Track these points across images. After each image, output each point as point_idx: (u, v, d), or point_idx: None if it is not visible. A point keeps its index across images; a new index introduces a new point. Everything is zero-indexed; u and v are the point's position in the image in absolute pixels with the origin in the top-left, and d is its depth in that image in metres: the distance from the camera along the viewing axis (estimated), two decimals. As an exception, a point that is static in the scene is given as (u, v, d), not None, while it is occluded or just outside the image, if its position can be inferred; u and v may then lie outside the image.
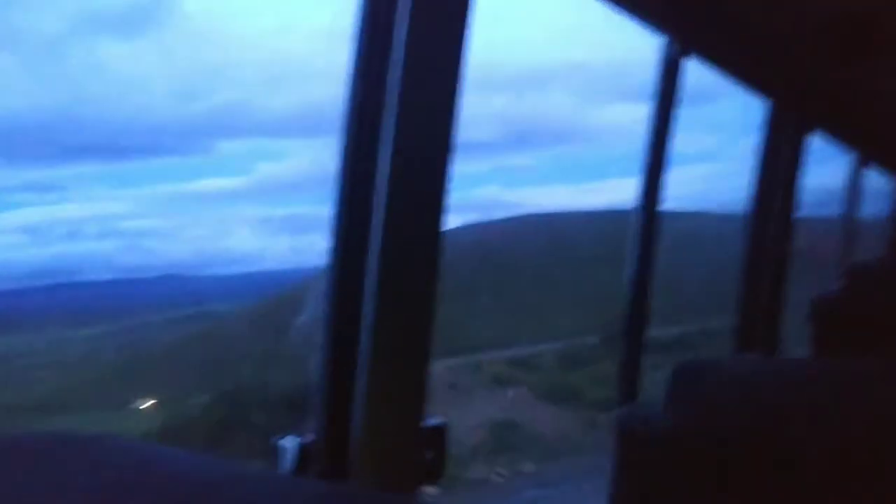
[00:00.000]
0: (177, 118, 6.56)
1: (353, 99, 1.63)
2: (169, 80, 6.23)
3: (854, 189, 4.08)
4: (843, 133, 3.54)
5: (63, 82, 6.22)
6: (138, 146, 6.57)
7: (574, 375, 7.56)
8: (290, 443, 1.64)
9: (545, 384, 7.57)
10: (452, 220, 1.72)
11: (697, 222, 6.96)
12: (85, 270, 6.72)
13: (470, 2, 1.59)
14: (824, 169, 3.65)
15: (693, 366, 1.95)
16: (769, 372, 1.97)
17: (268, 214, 7.09)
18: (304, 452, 1.63)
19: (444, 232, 1.68)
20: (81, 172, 6.83)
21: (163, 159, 7.05)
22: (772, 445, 1.78)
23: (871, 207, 4.37)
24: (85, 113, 6.23)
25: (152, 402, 5.86)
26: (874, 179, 4.25)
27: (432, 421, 1.74)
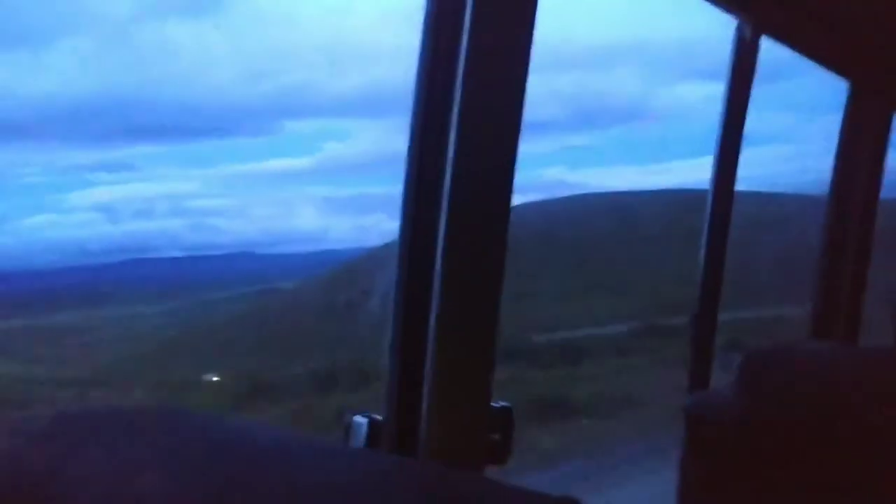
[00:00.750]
0: (244, 99, 6.64)
1: (423, 79, 1.63)
2: (236, 62, 6.30)
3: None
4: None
5: (134, 64, 6.34)
6: (207, 127, 6.67)
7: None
8: (360, 420, 1.66)
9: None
10: (514, 201, 1.71)
11: (773, 204, 6.82)
12: (155, 248, 6.87)
13: None
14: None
15: (764, 352, 1.92)
16: (843, 359, 1.94)
17: (333, 194, 7.15)
18: (373, 430, 1.65)
19: (508, 220, 1.69)
20: (152, 152, 6.96)
21: (231, 140, 7.15)
22: (843, 433, 1.75)
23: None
24: (155, 94, 6.34)
25: (213, 377, 5.98)
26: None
27: (499, 402, 1.75)
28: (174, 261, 6.73)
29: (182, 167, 7.23)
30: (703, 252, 2.20)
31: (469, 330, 1.67)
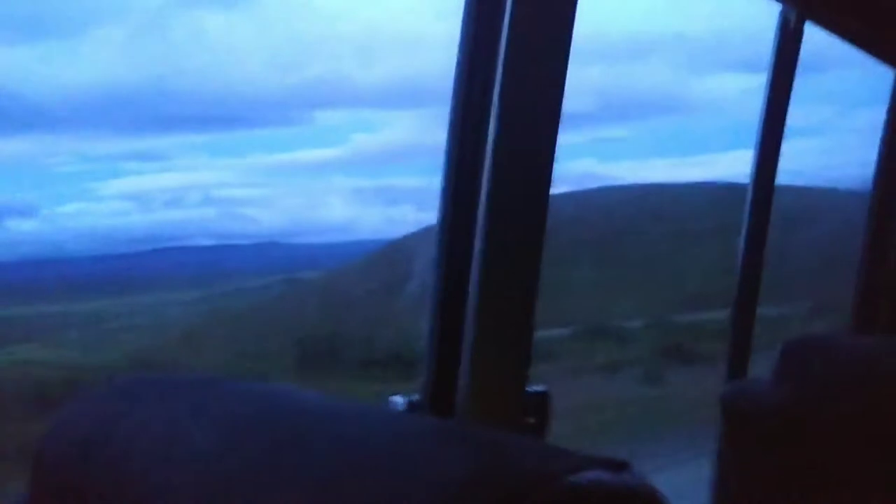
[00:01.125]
0: (274, 89, 6.67)
1: (462, 71, 1.64)
2: (266, 52, 6.33)
3: None
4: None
5: (166, 54, 6.39)
6: (238, 117, 6.70)
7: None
8: (398, 400, 1.69)
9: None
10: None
11: (814, 197, 6.75)
12: (185, 237, 6.93)
13: None
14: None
15: (803, 342, 1.91)
16: (882, 350, 1.92)
17: (362, 185, 7.17)
18: (410, 410, 1.67)
19: (548, 208, 1.69)
20: (183, 142, 7.01)
21: (261, 130, 7.19)
22: (884, 424, 1.73)
23: None
24: (187, 84, 6.38)
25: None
26: None
27: (535, 387, 1.76)
28: (204, 249, 6.79)
29: (213, 157, 7.28)
30: (742, 242, 2.19)
31: (507, 313, 1.68)
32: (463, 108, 1.64)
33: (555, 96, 1.64)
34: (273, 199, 7.48)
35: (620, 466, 0.58)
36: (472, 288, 1.63)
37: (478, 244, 1.62)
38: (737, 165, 2.25)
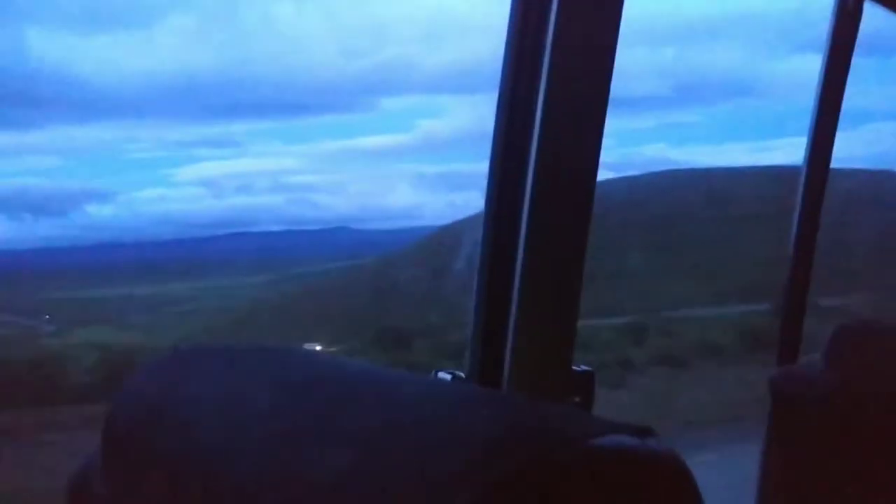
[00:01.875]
0: (341, 76, 6.74)
1: (510, 56, 1.65)
2: (334, 38, 6.41)
3: None
4: None
5: (236, 42, 6.50)
6: (306, 103, 6.80)
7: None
8: (444, 377, 1.71)
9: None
10: (605, 177, 1.72)
11: (879, 182, 6.55)
12: (256, 222, 7.07)
13: None
14: None
15: (853, 327, 1.88)
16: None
17: (427, 170, 7.21)
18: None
19: (595, 188, 1.70)
20: (254, 129, 7.15)
21: (328, 116, 7.28)
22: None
23: None
24: (256, 71, 6.49)
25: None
26: None
27: (580, 367, 1.76)
28: (274, 235, 6.92)
29: (282, 143, 7.41)
30: (795, 226, 2.16)
31: (552, 293, 1.69)
32: (510, 91, 1.66)
33: (602, 82, 1.64)
34: (341, 185, 7.58)
35: (644, 432, 0.59)
36: (518, 267, 1.65)
37: (523, 224, 1.63)
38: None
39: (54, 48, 5.88)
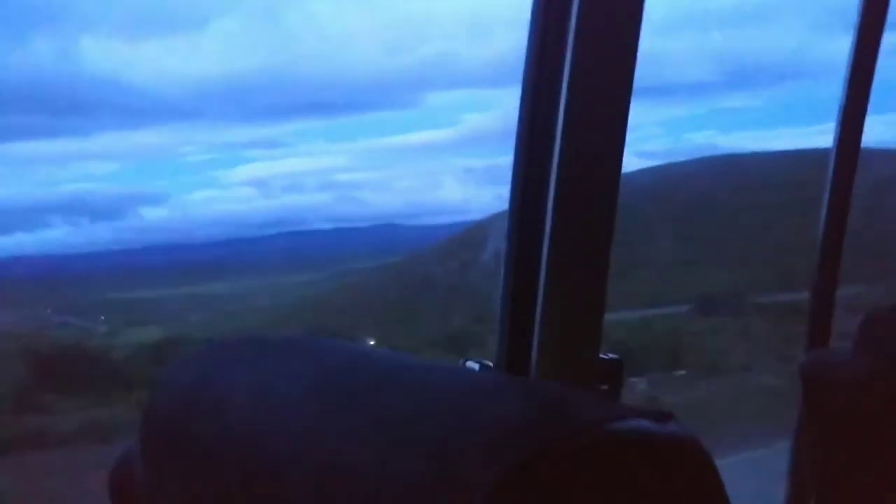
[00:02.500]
0: (386, 72, 6.79)
1: (533, 48, 1.67)
2: (377, 35, 6.45)
3: None
4: None
5: (282, 42, 6.58)
6: (351, 102, 6.86)
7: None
8: (472, 366, 1.73)
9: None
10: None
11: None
12: (305, 221, 7.15)
13: None
14: None
15: (884, 313, 1.86)
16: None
17: (474, 164, 7.23)
18: (485, 376, 1.71)
19: (620, 175, 1.70)
20: (301, 128, 7.23)
21: (374, 113, 7.33)
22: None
23: None
24: (302, 72, 6.57)
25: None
26: None
27: (608, 355, 1.77)
28: (323, 233, 7.00)
29: (329, 142, 7.48)
30: (824, 210, 2.14)
31: (578, 280, 1.70)
32: (534, 84, 1.67)
33: (625, 72, 1.64)
34: (388, 182, 7.63)
35: (664, 417, 0.59)
36: (544, 255, 1.66)
37: (549, 212, 1.65)
38: (870, 133, 2.16)
39: (106, 57, 6.03)
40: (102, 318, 6.20)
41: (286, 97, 6.77)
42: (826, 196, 2.14)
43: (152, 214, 7.03)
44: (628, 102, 1.68)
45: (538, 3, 1.66)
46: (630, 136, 1.69)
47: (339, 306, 6.82)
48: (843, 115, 2.12)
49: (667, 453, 0.58)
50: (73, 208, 6.57)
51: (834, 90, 2.22)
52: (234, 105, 6.72)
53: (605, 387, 1.76)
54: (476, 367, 1.74)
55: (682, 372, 6.46)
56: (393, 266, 7.22)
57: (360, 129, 7.28)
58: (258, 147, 7.34)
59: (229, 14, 6.43)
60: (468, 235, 6.15)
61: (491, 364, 1.75)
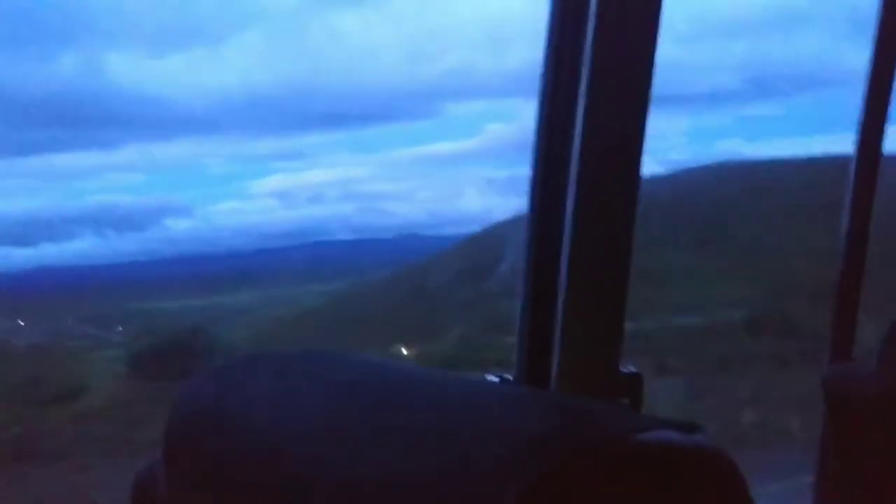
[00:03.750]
0: (407, 83, 6.81)
1: (551, 56, 1.67)
2: (399, 47, 6.48)
3: None
4: None
5: (303, 54, 6.63)
6: (373, 113, 6.89)
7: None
8: (492, 380, 1.73)
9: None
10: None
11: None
12: (328, 231, 7.18)
13: None
14: None
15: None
16: None
17: (496, 175, 7.23)
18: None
19: (639, 187, 1.69)
20: (322, 140, 7.27)
21: (396, 124, 7.36)
22: None
23: None
24: (325, 83, 6.61)
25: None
26: None
27: (628, 368, 1.76)
28: (346, 243, 7.02)
29: (351, 153, 7.51)
30: (846, 220, 2.12)
31: (598, 295, 1.70)
32: (551, 92, 1.67)
33: (643, 80, 1.64)
34: (411, 193, 7.64)
35: (691, 428, 0.58)
36: (563, 269, 1.65)
37: (567, 226, 1.64)
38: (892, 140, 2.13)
39: (132, 71, 6.09)
40: (119, 328, 6.27)
41: (309, 109, 6.80)
42: (847, 207, 2.11)
43: (177, 225, 7.09)
44: (646, 112, 1.68)
45: (555, 13, 1.66)
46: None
47: (354, 314, 6.84)
48: (863, 120, 2.10)
49: (694, 465, 0.57)
50: (100, 219, 6.64)
51: (857, 100, 2.20)
52: (258, 117, 6.76)
53: (626, 400, 1.75)
54: (496, 380, 1.74)
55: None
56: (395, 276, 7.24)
57: (382, 139, 7.31)
58: (281, 158, 7.38)
59: (252, 27, 6.47)
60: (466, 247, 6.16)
61: (511, 378, 1.75)
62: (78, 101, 5.90)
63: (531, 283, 1.72)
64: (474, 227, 7.23)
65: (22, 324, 5.89)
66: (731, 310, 6.88)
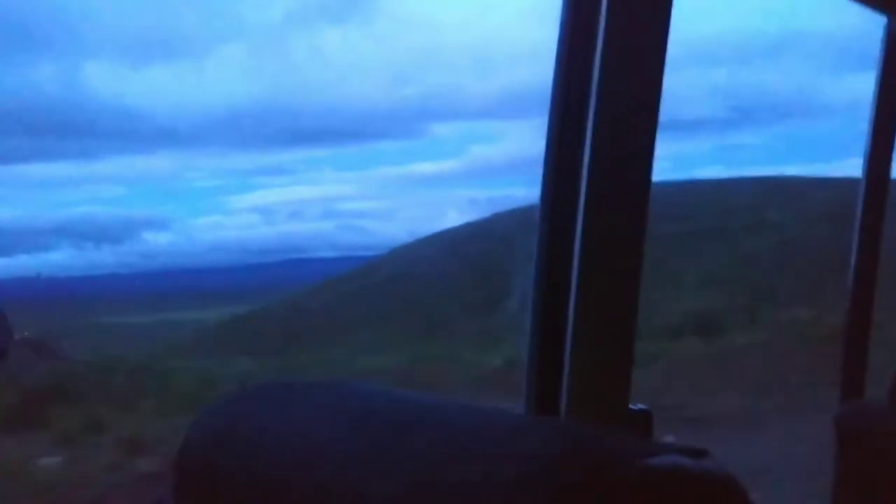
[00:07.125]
0: (391, 103, 6.82)
1: (559, 80, 1.64)
2: (383, 66, 6.48)
3: None
4: None
5: (287, 71, 6.59)
6: (356, 131, 6.88)
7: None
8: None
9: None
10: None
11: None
12: (309, 248, 7.13)
13: None
14: None
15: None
16: None
17: (478, 195, 7.23)
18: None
19: (648, 219, 1.67)
20: (306, 157, 7.25)
21: (379, 143, 7.35)
22: None
23: None
24: (308, 99, 6.59)
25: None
26: None
27: (637, 406, 1.73)
28: (327, 261, 6.97)
29: (333, 170, 7.48)
30: (854, 253, 2.09)
31: (607, 332, 1.67)
32: (561, 113, 1.64)
33: (652, 98, 1.61)
34: (392, 212, 7.62)
35: (699, 453, 0.59)
36: (572, 304, 1.62)
37: (576, 260, 1.62)
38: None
39: (112, 82, 6.02)
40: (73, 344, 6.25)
41: (293, 126, 6.78)
42: (854, 238, 2.08)
43: (156, 239, 7.01)
44: (655, 129, 1.65)
45: (565, 21, 1.63)
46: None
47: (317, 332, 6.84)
48: (870, 147, 2.08)
49: (703, 489, 0.57)
50: (78, 231, 6.56)
51: (843, 128, 2.19)
52: (241, 132, 6.72)
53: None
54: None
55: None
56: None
57: (366, 158, 7.31)
58: (264, 174, 7.36)
59: (236, 41, 6.44)
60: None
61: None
62: (57, 111, 5.84)
63: (539, 320, 1.69)
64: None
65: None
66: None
